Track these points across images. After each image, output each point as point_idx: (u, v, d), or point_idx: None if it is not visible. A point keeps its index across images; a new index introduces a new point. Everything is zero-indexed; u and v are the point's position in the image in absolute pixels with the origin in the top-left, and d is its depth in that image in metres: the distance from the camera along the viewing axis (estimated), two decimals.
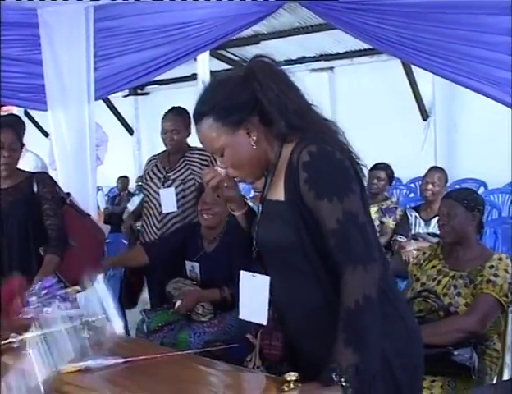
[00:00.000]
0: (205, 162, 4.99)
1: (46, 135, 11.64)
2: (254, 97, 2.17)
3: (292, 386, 1.91)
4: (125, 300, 4.85)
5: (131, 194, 11.18)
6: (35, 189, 4.05)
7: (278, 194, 2.14)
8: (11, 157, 4.00)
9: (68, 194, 4.33)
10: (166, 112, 5.16)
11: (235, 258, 4.28)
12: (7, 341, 2.36)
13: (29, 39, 4.97)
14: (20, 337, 2.36)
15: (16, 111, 7.95)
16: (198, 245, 4.48)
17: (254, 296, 2.26)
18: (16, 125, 4.13)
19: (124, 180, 11.49)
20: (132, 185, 11.88)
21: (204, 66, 6.80)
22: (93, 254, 4.42)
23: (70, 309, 2.83)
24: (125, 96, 13.68)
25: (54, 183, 4.21)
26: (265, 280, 2.23)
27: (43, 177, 4.18)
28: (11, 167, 4.04)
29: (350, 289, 1.92)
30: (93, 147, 4.91)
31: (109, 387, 2.03)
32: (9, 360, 2.34)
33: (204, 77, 6.83)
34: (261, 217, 2.27)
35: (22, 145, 4.15)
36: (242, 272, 2.36)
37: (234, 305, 4.26)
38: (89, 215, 4.55)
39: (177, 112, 5.15)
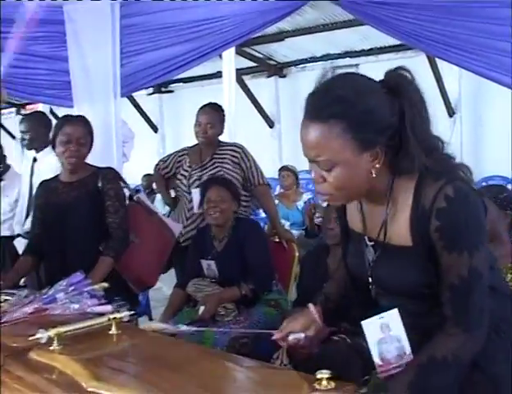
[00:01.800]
0: (236, 160, 4.98)
1: None
2: (400, 120, 1.90)
3: (325, 383, 1.87)
4: None
5: (155, 193, 11.17)
6: (99, 184, 4.02)
7: (402, 237, 1.96)
8: (78, 151, 3.99)
9: (138, 190, 4.31)
10: (203, 106, 5.15)
11: (248, 252, 4.29)
12: (35, 336, 2.35)
13: (55, 36, 4.99)
14: (48, 333, 2.35)
15: (42, 108, 7.98)
16: (210, 244, 4.47)
17: (390, 341, 2.04)
18: (86, 121, 4.12)
19: (149, 177, 11.48)
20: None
21: (230, 63, 6.76)
22: (159, 252, 4.39)
23: (97, 306, 2.84)
24: (150, 94, 13.72)
25: (120, 179, 4.18)
26: (394, 315, 2.03)
27: (109, 173, 4.14)
28: (78, 161, 4.03)
29: (447, 344, 1.86)
30: (120, 144, 4.92)
31: (137, 384, 2.01)
32: (38, 356, 2.34)
33: (230, 75, 6.79)
34: (380, 258, 2.08)
35: (92, 141, 4.14)
36: (365, 322, 2.05)
37: (255, 300, 4.27)
38: (157, 213, 4.50)
39: (214, 107, 5.16)
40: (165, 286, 6.68)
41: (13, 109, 16.76)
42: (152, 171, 5.60)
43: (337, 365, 2.04)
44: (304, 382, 1.93)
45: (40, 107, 7.96)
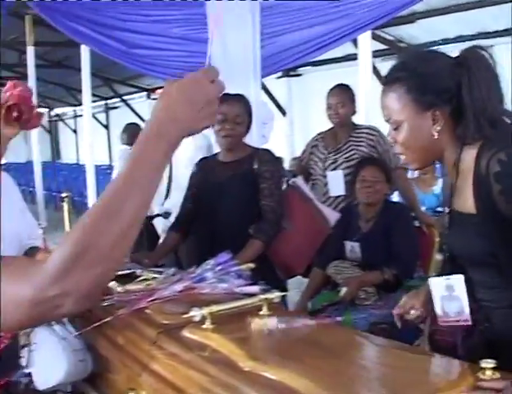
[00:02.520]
0: (372, 143, 4.93)
1: None
2: (458, 88, 2.07)
3: (490, 373, 1.80)
4: None
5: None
6: (255, 166, 3.97)
7: (467, 205, 2.07)
8: (234, 129, 3.99)
9: (294, 175, 4.28)
10: (331, 89, 5.13)
11: (394, 236, 4.21)
12: (189, 314, 2.36)
13: (194, 18, 5.02)
14: (202, 312, 2.36)
15: None
16: (356, 225, 4.42)
17: (451, 299, 2.25)
18: (244, 100, 4.13)
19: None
20: (285, 166, 11.89)
21: (365, 46, 6.58)
22: (310, 241, 4.25)
23: (245, 287, 2.83)
24: (279, 78, 13.71)
25: (277, 162, 4.14)
26: (460, 279, 2.19)
27: (265, 155, 4.08)
28: (234, 140, 4.03)
29: None
30: (259, 125, 4.91)
31: (295, 366, 1.97)
32: (191, 334, 2.35)
33: (366, 58, 6.63)
34: (450, 226, 2.22)
35: (250, 120, 4.13)
36: (432, 280, 2.32)
37: (397, 286, 4.20)
38: (313, 200, 4.40)
39: (342, 87, 5.13)
40: None
41: (144, 94, 17.17)
42: (281, 155, 5.55)
43: (477, 354, 1.98)
44: (468, 370, 1.86)
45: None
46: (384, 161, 4.74)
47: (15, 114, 2.46)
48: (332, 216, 4.47)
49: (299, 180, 4.39)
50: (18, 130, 2.51)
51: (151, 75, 5.06)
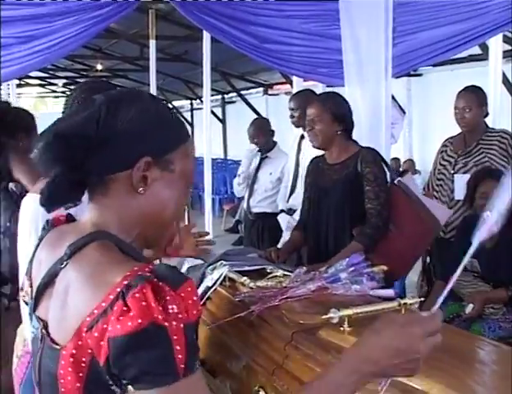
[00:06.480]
0: (503, 146, 4.78)
1: None
2: None
3: None
4: None
5: None
6: (359, 168, 3.92)
7: None
8: (313, 129, 4.00)
9: (401, 173, 4.20)
10: (459, 92, 4.99)
11: None
12: (327, 316, 2.31)
13: (327, 14, 4.99)
14: (340, 314, 2.30)
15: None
16: None
17: None
18: (324, 99, 4.11)
19: (396, 161, 11.38)
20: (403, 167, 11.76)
21: (497, 48, 6.35)
22: (415, 244, 4.02)
23: (380, 289, 2.77)
24: (398, 77, 13.47)
25: (380, 161, 4.01)
26: None
27: (368, 155, 4.00)
28: (319, 139, 4.02)
29: None
30: (389, 124, 4.81)
31: (455, 384, 1.89)
32: (328, 336, 2.30)
33: (496, 61, 6.40)
34: None
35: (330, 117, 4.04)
36: None
37: None
38: (420, 199, 4.18)
39: (470, 89, 4.99)
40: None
41: (261, 89, 17.24)
42: (398, 155, 5.44)
43: None
44: None
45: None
46: (503, 173, 4.58)
47: None
48: (444, 213, 4.22)
49: (407, 178, 4.18)
50: None
51: (281, 71, 5.03)
